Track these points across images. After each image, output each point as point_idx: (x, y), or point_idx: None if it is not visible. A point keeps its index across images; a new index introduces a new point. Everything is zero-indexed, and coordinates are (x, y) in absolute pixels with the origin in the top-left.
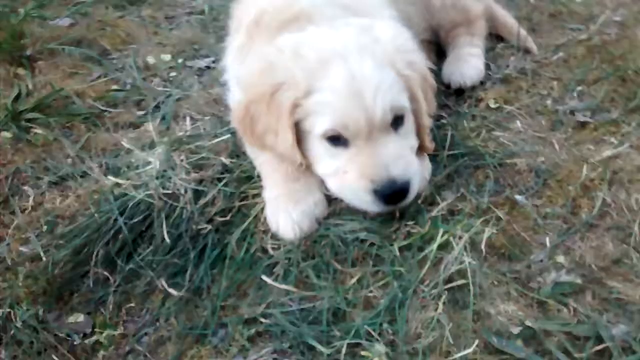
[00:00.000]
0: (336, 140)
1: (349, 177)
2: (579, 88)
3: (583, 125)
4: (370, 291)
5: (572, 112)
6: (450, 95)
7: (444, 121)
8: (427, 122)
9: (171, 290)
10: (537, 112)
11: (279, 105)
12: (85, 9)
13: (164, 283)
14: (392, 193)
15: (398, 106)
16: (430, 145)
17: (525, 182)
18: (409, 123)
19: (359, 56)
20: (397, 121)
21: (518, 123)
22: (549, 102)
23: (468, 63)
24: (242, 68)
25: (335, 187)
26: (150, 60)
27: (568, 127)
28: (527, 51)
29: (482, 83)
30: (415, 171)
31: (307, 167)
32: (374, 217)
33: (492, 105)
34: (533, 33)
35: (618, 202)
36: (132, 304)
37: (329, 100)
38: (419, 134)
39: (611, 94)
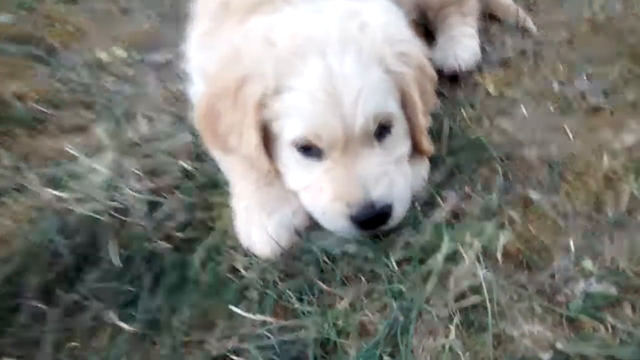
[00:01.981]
0: (308, 150)
1: (323, 198)
2: (588, 69)
3: (597, 109)
4: (365, 315)
5: (583, 96)
6: (444, 81)
7: (439, 111)
8: (424, 121)
9: (122, 324)
10: (543, 97)
11: (245, 101)
12: (30, 3)
13: (113, 316)
14: (369, 220)
15: (384, 113)
16: (428, 148)
17: (538, 176)
18: (398, 129)
19: (340, 49)
20: (382, 130)
21: (523, 110)
22: (555, 85)
23: (461, 45)
24: (206, 57)
25: (308, 203)
26: (103, 56)
27: (580, 112)
28: (525, 31)
29: (478, 67)
30: (400, 192)
31: (277, 173)
32: None
33: (492, 91)
34: (530, 12)
35: None
36: (75, 343)
37: (300, 104)
38: (414, 136)
39: (625, 75)
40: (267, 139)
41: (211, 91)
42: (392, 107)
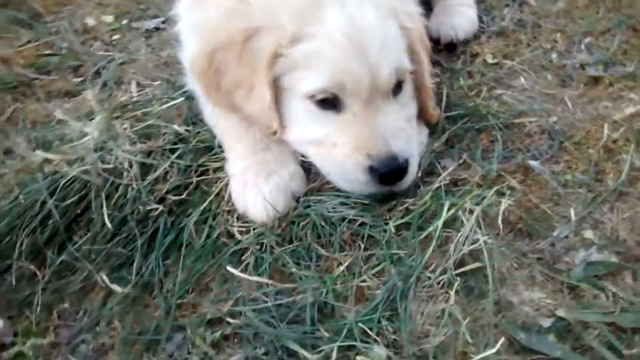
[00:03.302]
0: (326, 103)
1: (339, 151)
2: (587, 40)
3: (596, 80)
4: (364, 280)
5: (582, 67)
6: (441, 51)
7: (436, 79)
8: (430, 84)
9: (114, 287)
10: (542, 68)
11: (255, 54)
12: None
13: (105, 278)
14: (390, 171)
15: (402, 68)
16: (435, 112)
17: (538, 145)
18: (408, 88)
19: (358, 1)
20: (396, 87)
21: (522, 79)
22: (554, 56)
23: (459, 13)
24: (202, 11)
25: (319, 160)
26: (90, 22)
27: (579, 82)
28: (523, 2)
29: (475, 37)
30: (414, 150)
31: (282, 131)
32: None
33: (490, 61)
34: None
35: None
36: (66, 305)
37: (324, 51)
38: (421, 98)
39: (623, 46)
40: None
41: (212, 45)
42: (407, 63)
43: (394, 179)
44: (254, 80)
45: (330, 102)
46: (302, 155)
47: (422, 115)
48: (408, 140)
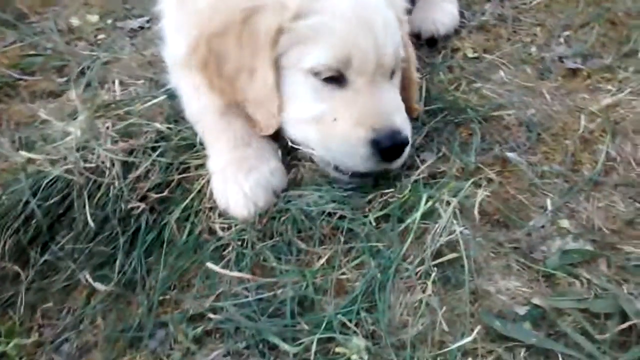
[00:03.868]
0: (329, 78)
1: (341, 126)
2: (566, 33)
3: (574, 72)
4: (343, 273)
5: (561, 59)
6: (422, 46)
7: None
8: (417, 78)
9: (97, 285)
10: (521, 61)
11: (255, 34)
12: None
13: (88, 276)
14: (393, 145)
15: (399, 55)
16: (417, 106)
17: (515, 137)
18: (398, 77)
19: None
20: (391, 73)
21: (501, 73)
22: (533, 49)
23: (441, 8)
24: (190, 4)
25: (318, 138)
26: (75, 22)
27: (558, 75)
28: None
29: (456, 32)
30: (410, 130)
31: (262, 130)
32: (345, 186)
33: (470, 55)
34: None
35: (624, 155)
36: (49, 304)
37: (331, 24)
38: (407, 91)
39: (601, 39)
40: None
41: (208, 31)
42: (402, 52)
43: (395, 154)
44: (255, 62)
45: (333, 78)
46: (293, 143)
47: (405, 109)
48: (405, 119)
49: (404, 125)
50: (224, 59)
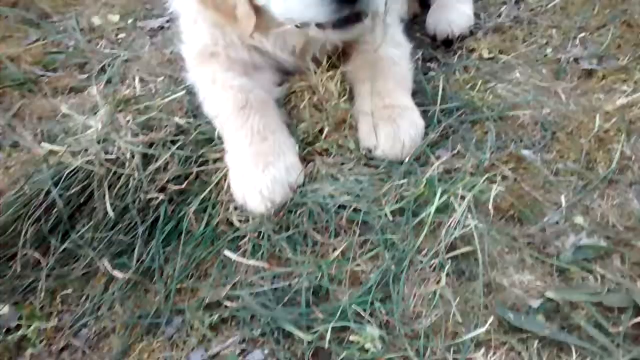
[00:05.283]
0: None
1: None
2: (581, 35)
3: (590, 73)
4: (358, 265)
5: (577, 60)
6: (438, 47)
7: (432, 73)
8: None
9: (116, 273)
10: (537, 62)
11: None
12: None
13: (107, 264)
14: None
15: None
16: None
17: (530, 136)
18: None
19: None
20: None
21: (517, 73)
22: (549, 50)
23: (455, 10)
24: None
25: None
26: (96, 21)
27: (573, 76)
28: None
29: (472, 33)
30: None
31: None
32: (359, 179)
33: (486, 56)
34: None
35: (638, 154)
36: (69, 291)
37: None
38: None
39: (617, 41)
40: None
41: None
42: None
43: None
44: None
45: None
46: (282, 19)
47: None
48: None
49: None
50: None
